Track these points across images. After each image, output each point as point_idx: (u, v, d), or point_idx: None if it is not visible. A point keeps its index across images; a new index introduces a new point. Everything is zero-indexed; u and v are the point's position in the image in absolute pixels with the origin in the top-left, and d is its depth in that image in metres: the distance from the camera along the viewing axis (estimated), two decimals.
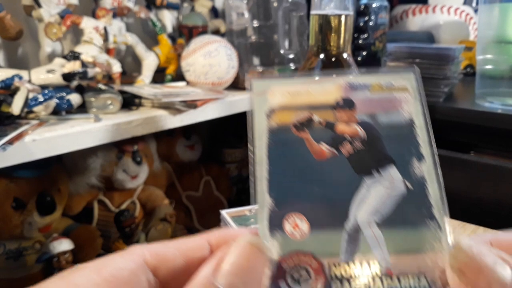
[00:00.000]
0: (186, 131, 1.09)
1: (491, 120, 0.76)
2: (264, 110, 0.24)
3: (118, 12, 0.88)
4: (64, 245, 0.76)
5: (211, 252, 0.21)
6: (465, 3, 1.22)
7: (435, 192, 0.22)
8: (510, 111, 0.76)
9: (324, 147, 0.23)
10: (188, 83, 0.93)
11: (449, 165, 0.74)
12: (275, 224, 0.22)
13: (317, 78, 0.25)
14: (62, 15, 0.79)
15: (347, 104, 0.24)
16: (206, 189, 1.15)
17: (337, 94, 0.24)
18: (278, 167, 0.23)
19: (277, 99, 0.24)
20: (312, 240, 0.21)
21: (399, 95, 0.24)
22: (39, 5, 0.77)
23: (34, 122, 0.65)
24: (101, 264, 0.19)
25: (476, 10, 1.19)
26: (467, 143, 0.83)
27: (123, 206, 0.92)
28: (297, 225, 0.22)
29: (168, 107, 0.77)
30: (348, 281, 0.21)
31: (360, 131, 0.24)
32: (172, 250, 0.20)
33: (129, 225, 0.90)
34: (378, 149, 0.23)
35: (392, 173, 0.23)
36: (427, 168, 0.23)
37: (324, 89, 0.24)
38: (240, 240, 0.19)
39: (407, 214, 0.22)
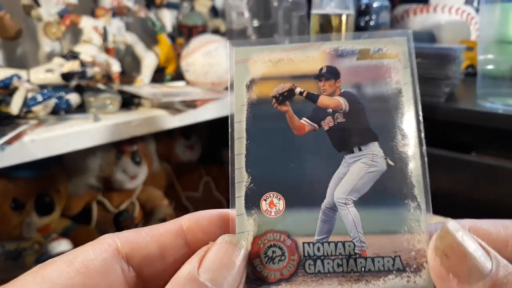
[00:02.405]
0: (186, 131, 1.09)
1: (493, 120, 0.76)
2: (244, 81, 0.23)
3: (117, 12, 0.88)
4: (63, 245, 0.75)
5: (184, 237, 0.21)
6: (466, 3, 1.22)
7: (417, 170, 0.21)
8: (511, 111, 0.75)
9: (305, 122, 0.22)
10: (187, 82, 0.92)
11: (450, 165, 0.74)
12: (252, 202, 0.22)
13: (301, 44, 0.23)
14: (61, 15, 0.79)
15: (331, 74, 0.23)
16: (206, 189, 1.14)
17: (321, 62, 0.23)
18: (257, 142, 0.22)
19: (258, 68, 0.23)
20: (288, 218, 0.21)
21: (388, 63, 0.23)
22: (38, 5, 0.77)
23: (33, 122, 0.65)
24: (72, 256, 0.19)
25: (477, 10, 1.18)
26: (468, 144, 0.82)
27: (122, 207, 0.92)
28: (273, 203, 0.21)
29: (167, 107, 0.77)
30: (322, 260, 0.21)
31: (343, 103, 0.22)
32: (144, 237, 0.20)
33: (128, 226, 0.89)
34: (361, 123, 0.22)
35: (374, 149, 0.22)
36: (411, 145, 0.22)
37: (308, 56, 0.23)
38: (220, 239, 0.20)
39: (386, 193, 0.21)
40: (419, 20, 1.21)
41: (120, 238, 0.20)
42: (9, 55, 0.85)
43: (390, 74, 0.22)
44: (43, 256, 0.75)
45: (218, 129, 1.22)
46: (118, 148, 0.90)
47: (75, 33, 0.84)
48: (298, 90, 0.23)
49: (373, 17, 1.04)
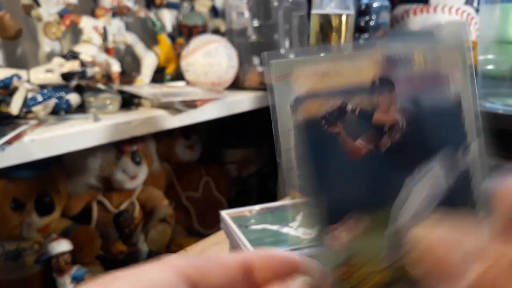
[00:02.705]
0: (186, 131, 1.09)
1: (493, 120, 0.76)
2: (287, 101, 0.20)
3: (117, 12, 0.88)
4: (63, 246, 0.75)
5: (250, 272, 0.21)
6: (466, 3, 1.22)
7: (479, 186, 0.20)
8: (511, 111, 0.75)
9: (360, 143, 0.20)
10: (187, 82, 0.92)
11: None
12: (319, 236, 0.20)
13: (349, 52, 0.21)
14: (61, 15, 0.79)
15: (385, 85, 0.20)
16: (206, 189, 1.14)
17: (374, 72, 0.20)
18: (310, 170, 0.20)
19: (302, 84, 0.20)
20: (355, 248, 0.20)
21: (446, 71, 0.20)
22: (38, 4, 0.77)
23: (33, 122, 0.64)
24: (138, 274, 0.19)
25: (477, 10, 1.18)
26: None
27: (122, 207, 0.92)
28: (340, 235, 0.20)
29: (167, 107, 0.77)
30: (391, 287, 0.20)
31: (401, 119, 0.20)
32: (211, 265, 0.20)
33: (128, 225, 0.89)
34: (420, 140, 0.20)
35: (434, 169, 0.20)
36: (473, 161, 0.20)
37: (358, 66, 0.20)
38: (299, 280, 0.20)
39: (450, 214, 0.20)
40: (419, 20, 1.21)
41: (188, 262, 0.20)
42: (9, 55, 0.85)
43: (449, 84, 0.20)
44: (43, 256, 0.75)
45: (218, 129, 1.22)
46: (118, 148, 0.90)
47: (75, 33, 0.84)
48: (349, 107, 0.20)
49: (373, 17, 1.04)
